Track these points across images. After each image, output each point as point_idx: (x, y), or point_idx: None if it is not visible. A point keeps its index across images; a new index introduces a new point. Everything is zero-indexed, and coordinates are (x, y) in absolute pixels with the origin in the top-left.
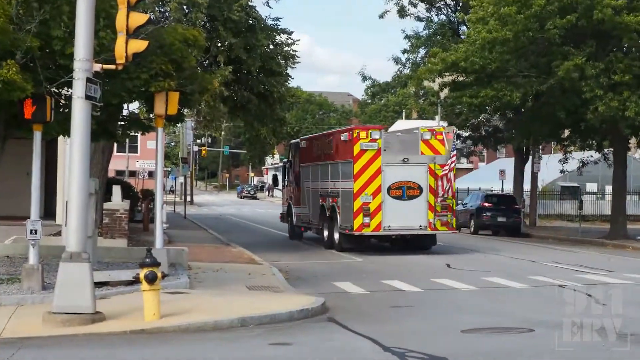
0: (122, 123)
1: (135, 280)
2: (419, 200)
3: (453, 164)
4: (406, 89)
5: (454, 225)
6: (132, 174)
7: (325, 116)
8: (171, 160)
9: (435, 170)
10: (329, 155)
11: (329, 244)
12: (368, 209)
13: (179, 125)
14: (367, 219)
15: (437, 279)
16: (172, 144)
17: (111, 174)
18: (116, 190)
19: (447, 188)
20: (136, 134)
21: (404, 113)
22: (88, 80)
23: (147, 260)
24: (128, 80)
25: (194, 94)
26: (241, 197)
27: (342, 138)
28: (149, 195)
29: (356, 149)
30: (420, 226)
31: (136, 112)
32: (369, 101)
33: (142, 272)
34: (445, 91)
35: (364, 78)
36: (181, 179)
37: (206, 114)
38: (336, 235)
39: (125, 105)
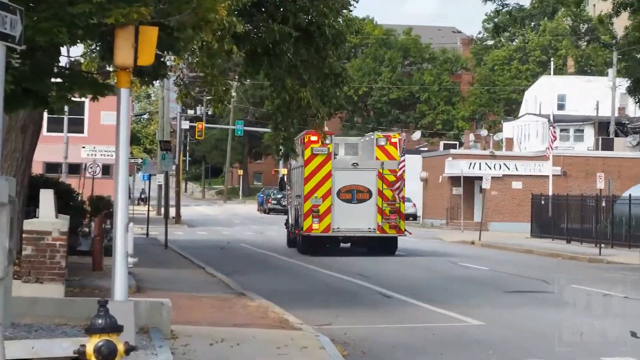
0: (58, 80)
1: (78, 358)
2: (368, 203)
3: (402, 170)
4: (555, 21)
5: (403, 229)
6: (74, 169)
7: (415, 68)
8: (143, 146)
9: (384, 175)
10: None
11: (298, 247)
12: (317, 211)
13: (157, 84)
14: (316, 220)
15: (611, 357)
16: (145, 116)
17: (38, 168)
18: (46, 197)
19: (400, 196)
20: (82, 98)
21: (552, 63)
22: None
23: (100, 321)
24: (68, 6)
25: (184, 29)
26: (265, 212)
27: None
28: (103, 206)
29: (307, 153)
30: (369, 229)
31: (82, 61)
32: (490, 42)
33: (91, 343)
34: (624, 16)
35: None
36: (160, 179)
37: (204, 68)
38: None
39: (63, 50)
